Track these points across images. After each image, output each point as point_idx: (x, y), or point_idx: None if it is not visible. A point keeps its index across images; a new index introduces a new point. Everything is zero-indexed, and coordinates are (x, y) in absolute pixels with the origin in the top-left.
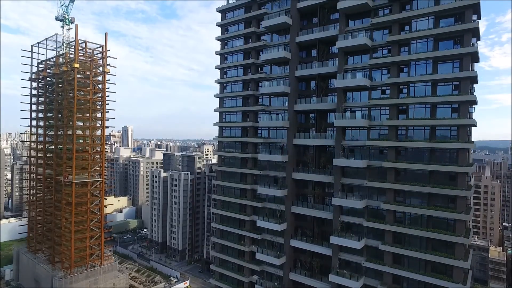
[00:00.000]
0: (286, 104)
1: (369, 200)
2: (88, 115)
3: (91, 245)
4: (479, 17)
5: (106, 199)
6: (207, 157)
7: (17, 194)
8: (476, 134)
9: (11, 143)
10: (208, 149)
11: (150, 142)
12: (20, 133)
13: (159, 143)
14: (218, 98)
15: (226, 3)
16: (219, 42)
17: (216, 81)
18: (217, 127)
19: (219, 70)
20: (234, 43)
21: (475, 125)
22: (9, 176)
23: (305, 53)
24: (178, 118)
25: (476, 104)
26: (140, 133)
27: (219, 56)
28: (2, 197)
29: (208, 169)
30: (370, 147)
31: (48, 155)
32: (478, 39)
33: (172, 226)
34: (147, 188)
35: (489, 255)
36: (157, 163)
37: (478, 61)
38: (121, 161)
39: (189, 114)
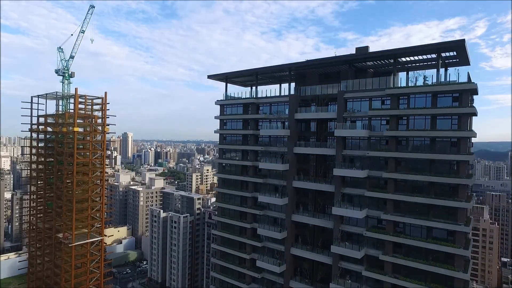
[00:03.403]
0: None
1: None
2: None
3: None
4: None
5: (106, 254)
6: (206, 178)
7: (17, 224)
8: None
9: (10, 157)
10: (207, 170)
11: (150, 149)
12: (21, 138)
13: (158, 149)
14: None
15: (224, 97)
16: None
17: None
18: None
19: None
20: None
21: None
22: (9, 196)
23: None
24: (178, 118)
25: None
26: (140, 134)
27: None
28: (2, 233)
29: (208, 216)
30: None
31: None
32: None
33: (171, 267)
34: (146, 218)
35: None
36: (156, 193)
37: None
38: (120, 189)
39: (189, 114)
